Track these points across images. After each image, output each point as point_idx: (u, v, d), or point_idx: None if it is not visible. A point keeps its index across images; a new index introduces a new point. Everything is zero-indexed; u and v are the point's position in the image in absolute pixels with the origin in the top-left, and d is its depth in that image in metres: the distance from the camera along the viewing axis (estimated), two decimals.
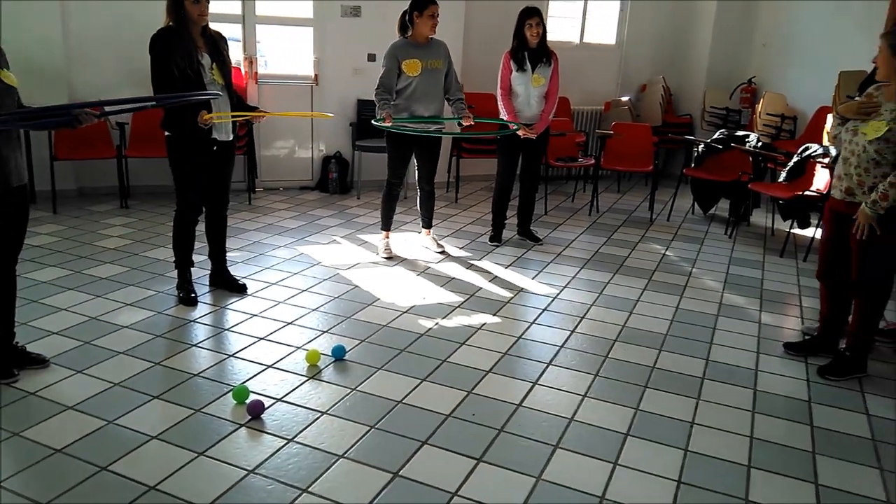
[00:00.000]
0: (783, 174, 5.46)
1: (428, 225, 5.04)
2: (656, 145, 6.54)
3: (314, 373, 3.19)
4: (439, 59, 4.56)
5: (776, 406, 3.05)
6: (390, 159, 4.73)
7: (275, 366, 3.24)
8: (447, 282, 4.42)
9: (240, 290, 4.09)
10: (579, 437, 2.74)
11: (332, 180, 6.55)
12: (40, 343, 3.32)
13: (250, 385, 3.03)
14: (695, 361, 3.44)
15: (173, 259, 3.99)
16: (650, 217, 6.21)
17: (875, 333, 3.45)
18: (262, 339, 3.52)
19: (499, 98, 4.95)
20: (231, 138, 3.83)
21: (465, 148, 6.58)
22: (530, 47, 4.83)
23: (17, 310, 3.52)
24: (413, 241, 5.17)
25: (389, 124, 4.38)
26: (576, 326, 3.82)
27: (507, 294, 4.26)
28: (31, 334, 3.40)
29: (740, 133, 6.14)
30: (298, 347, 3.42)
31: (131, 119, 5.69)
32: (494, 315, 3.92)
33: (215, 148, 3.74)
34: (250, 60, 6.27)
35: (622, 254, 5.16)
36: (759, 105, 6.93)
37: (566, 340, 3.64)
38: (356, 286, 4.27)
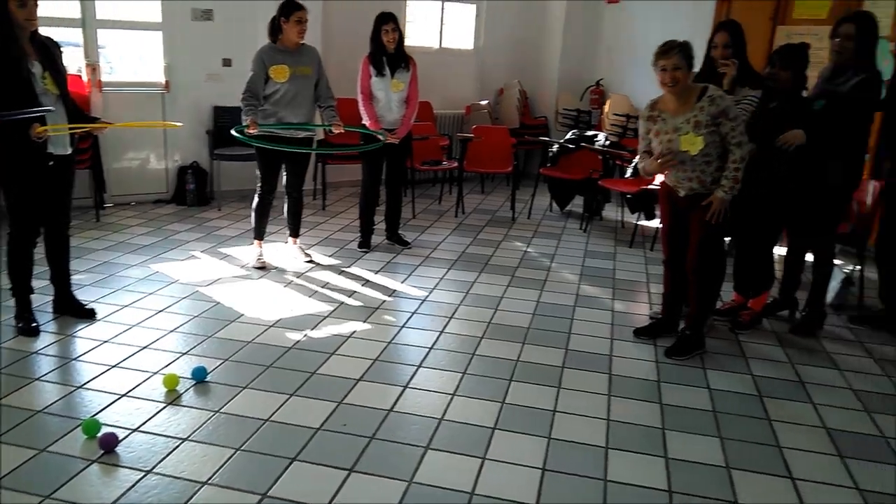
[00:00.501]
0: (629, 170, 5.84)
1: (295, 233, 4.95)
2: (515, 147, 6.78)
3: (173, 398, 3.04)
4: (309, 65, 4.49)
5: (630, 388, 3.26)
6: (260, 168, 4.61)
7: (129, 394, 3.05)
8: (315, 291, 4.36)
9: (87, 315, 3.82)
10: (449, 437, 2.80)
11: (190, 192, 6.25)
12: None
13: (102, 417, 2.84)
14: (555, 352, 3.61)
15: (10, 287, 3.66)
16: (512, 216, 6.44)
17: (713, 313, 3.78)
18: (114, 366, 3.30)
19: (360, 103, 4.94)
20: (69, 152, 3.57)
21: (331, 154, 6.52)
22: (388, 52, 4.86)
23: None
24: (280, 250, 5.05)
25: (254, 132, 4.26)
26: (444, 327, 3.89)
27: (377, 299, 4.27)
28: None
29: (590, 133, 6.51)
30: (155, 373, 3.24)
31: None
32: (365, 322, 3.92)
33: (51, 163, 3.46)
34: (93, 67, 5.86)
35: (487, 252, 5.32)
36: (607, 106, 7.37)
37: (435, 341, 3.70)
38: (218, 303, 4.11)
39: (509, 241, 5.67)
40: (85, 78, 5.84)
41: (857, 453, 2.78)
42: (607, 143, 6.27)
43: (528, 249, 5.47)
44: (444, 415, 2.97)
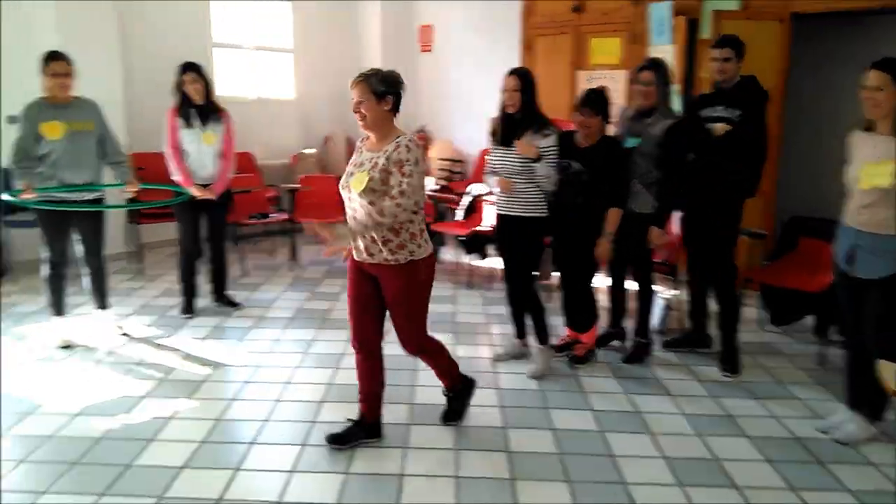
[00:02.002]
0: (459, 213, 5.93)
1: (102, 305, 4.43)
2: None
3: None
4: (88, 120, 4.06)
5: (477, 439, 3.19)
6: (45, 235, 4.07)
7: None
8: (130, 369, 3.90)
9: None
10: None
11: None
12: None
13: None
14: (400, 408, 3.47)
15: None
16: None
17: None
18: None
19: (169, 158, 4.58)
20: None
21: (144, 213, 6.00)
22: (196, 104, 4.56)
23: None
24: (89, 325, 4.50)
25: (30, 196, 3.77)
26: (281, 394, 3.62)
27: (204, 371, 3.90)
28: None
29: None
30: None
31: None
32: (189, 398, 3.55)
33: None
34: None
35: (326, 307, 5.10)
36: (432, 151, 7.50)
37: (271, 412, 3.42)
38: (7, 394, 3.54)
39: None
40: None
41: (696, 480, 2.88)
42: (437, 187, 6.34)
43: None
44: (282, 495, 2.71)
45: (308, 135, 7.84)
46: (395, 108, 2.88)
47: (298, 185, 6.24)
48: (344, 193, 2.95)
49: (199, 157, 4.60)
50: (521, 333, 4.13)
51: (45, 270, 4.16)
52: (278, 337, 4.46)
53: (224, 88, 7.01)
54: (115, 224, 5.85)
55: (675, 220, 4.16)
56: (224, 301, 5.01)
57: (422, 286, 2.99)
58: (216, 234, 4.86)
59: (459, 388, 3.34)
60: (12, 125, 4.29)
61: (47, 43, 4.21)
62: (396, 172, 2.76)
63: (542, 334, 3.92)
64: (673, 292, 4.78)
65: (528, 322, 4.00)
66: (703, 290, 4.18)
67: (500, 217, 3.87)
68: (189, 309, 4.82)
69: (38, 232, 4.11)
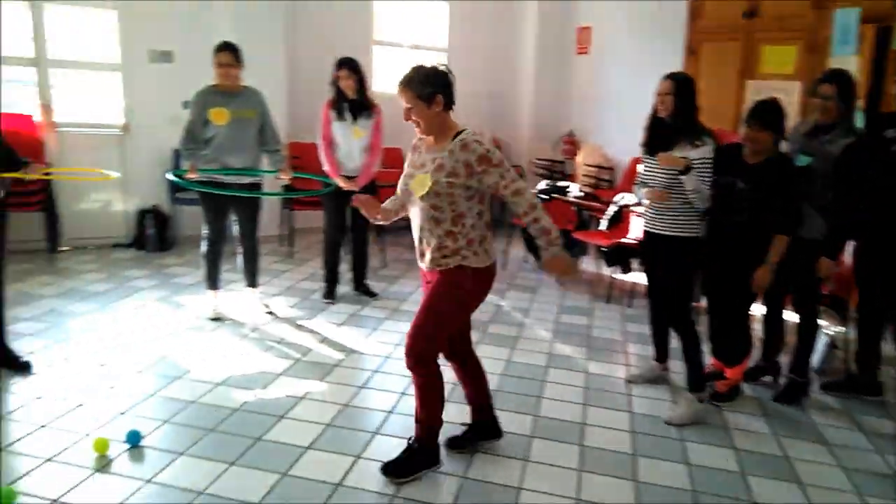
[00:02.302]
0: (603, 222, 5.71)
1: (252, 283, 4.70)
2: None
3: (102, 464, 2.76)
4: (250, 108, 4.31)
5: (602, 462, 3.02)
6: (205, 214, 4.39)
7: (55, 458, 2.77)
8: (271, 346, 4.10)
9: (22, 368, 3.54)
10: None
11: (149, 236, 6.00)
12: None
13: (24, 484, 2.55)
14: (524, 418, 3.37)
15: None
16: None
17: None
18: (43, 426, 3.01)
19: (320, 149, 4.78)
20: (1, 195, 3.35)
21: (297, 200, 6.32)
22: (349, 98, 4.71)
23: None
24: (239, 300, 4.79)
25: (194, 177, 4.07)
26: (407, 388, 3.64)
27: (337, 356, 4.02)
28: None
29: (562, 184, 6.38)
30: (86, 435, 2.96)
31: None
32: (321, 381, 3.66)
33: None
34: (46, 107, 5.65)
35: None
36: (580, 156, 7.30)
37: (396, 405, 3.45)
38: (164, 357, 3.83)
39: None
40: (37, 119, 5.63)
41: None
42: (581, 194, 6.15)
43: (502, 303, 5.26)
44: (397, 490, 2.71)
45: None
46: (449, 105, 2.63)
47: None
48: (402, 197, 2.82)
49: (347, 150, 4.76)
50: (661, 357, 3.88)
51: (203, 246, 4.48)
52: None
53: (381, 85, 7.23)
54: (270, 208, 6.21)
55: (848, 250, 3.73)
56: (363, 290, 5.15)
57: (460, 296, 2.70)
58: (359, 224, 5.01)
59: (420, 448, 2.84)
60: (186, 110, 4.67)
61: (224, 37, 4.51)
62: (488, 168, 2.55)
63: (696, 378, 3.46)
64: (839, 329, 4.29)
65: (672, 346, 3.74)
66: (877, 331, 3.70)
67: (645, 233, 3.65)
68: (330, 294, 5.00)
69: (200, 210, 4.43)
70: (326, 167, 4.75)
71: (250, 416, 3.21)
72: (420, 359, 2.74)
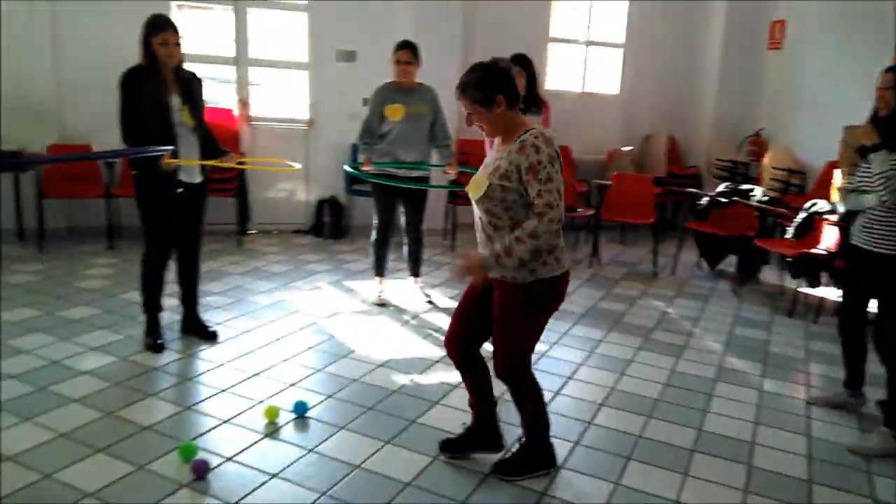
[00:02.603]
0: (791, 230, 5.22)
1: (415, 273, 4.86)
2: (661, 196, 6.34)
3: (271, 430, 2.97)
4: (425, 104, 4.44)
5: (772, 486, 2.76)
6: (376, 205, 4.60)
7: (231, 421, 3.02)
8: (430, 334, 4.20)
9: (210, 337, 3.91)
10: None
11: (326, 224, 6.42)
12: None
13: (202, 442, 2.82)
14: (686, 431, 3.17)
15: (142, 304, 3.82)
16: (653, 271, 5.97)
17: None
18: (223, 391, 3.31)
19: (486, 145, 4.80)
20: (199, 180, 3.71)
21: (460, 195, 6.42)
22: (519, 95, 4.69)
23: None
24: (402, 288, 4.97)
25: (368, 169, 4.27)
26: (561, 388, 3.57)
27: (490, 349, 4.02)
28: None
29: (745, 187, 5.92)
30: (260, 402, 3.20)
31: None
32: None
33: (181, 190, 3.60)
34: (243, 103, 6.22)
35: (620, 309, 4.92)
36: (766, 158, 6.74)
37: (549, 402, 3.38)
38: (332, 336, 4.06)
39: (647, 299, 5.22)
40: (235, 113, 6.20)
41: None
42: (765, 198, 5.67)
43: (669, 310, 4.99)
44: (546, 489, 2.65)
45: (628, 132, 7.64)
46: (512, 103, 2.43)
47: (609, 182, 6.10)
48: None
49: None
50: (853, 383, 3.45)
51: (373, 235, 4.69)
52: (567, 330, 4.42)
53: (553, 82, 7.18)
54: (435, 203, 6.37)
55: None
56: None
57: (533, 309, 2.52)
58: None
59: (532, 448, 2.73)
60: (365, 107, 4.95)
61: (404, 36, 4.69)
62: (532, 180, 2.34)
63: None
64: None
65: (866, 372, 3.35)
66: None
67: (851, 247, 3.26)
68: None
69: (371, 201, 4.65)
70: None
71: (407, 399, 3.31)
72: (507, 374, 2.64)
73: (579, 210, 6.31)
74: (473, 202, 2.53)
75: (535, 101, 4.72)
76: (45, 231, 5.46)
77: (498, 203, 2.42)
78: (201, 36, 6.28)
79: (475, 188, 2.48)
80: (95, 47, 5.50)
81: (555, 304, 2.58)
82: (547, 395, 3.40)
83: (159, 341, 3.75)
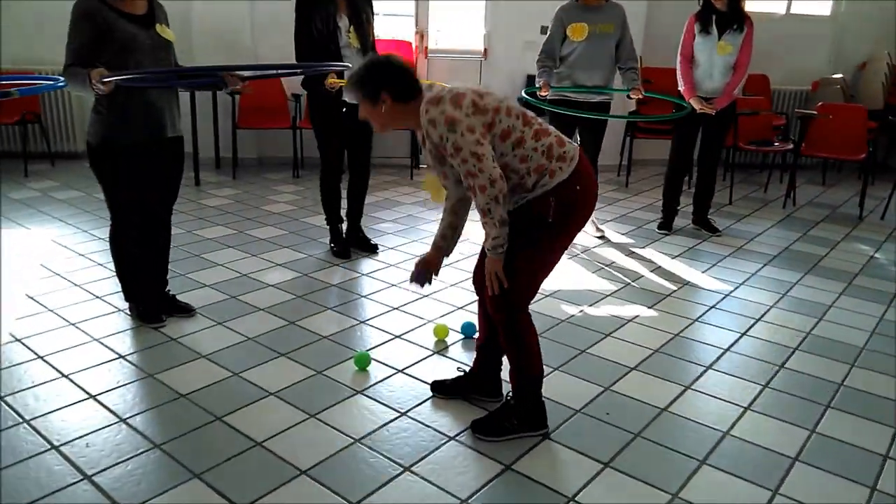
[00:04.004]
0: None
1: None
2: (873, 132, 5.55)
3: (440, 348, 3.00)
4: (611, 23, 4.13)
5: None
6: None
7: (402, 336, 3.10)
8: (601, 268, 4.03)
9: (371, 249, 4.16)
10: (733, 456, 2.29)
11: None
12: (193, 294, 3.45)
13: (375, 353, 2.91)
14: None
15: (325, 217, 4.13)
16: (859, 214, 5.28)
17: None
18: (395, 308, 3.39)
19: (678, 65, 4.42)
20: None
21: (640, 128, 6.05)
22: (718, 10, 4.24)
23: (180, 262, 3.74)
24: None
25: (545, 94, 4.08)
26: (748, 329, 3.27)
27: (669, 286, 3.78)
28: (187, 285, 3.55)
29: None
30: (430, 321, 3.25)
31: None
32: (650, 308, 3.48)
33: (345, 110, 3.69)
34: (421, 35, 6.23)
35: (818, 252, 4.41)
36: None
37: (734, 343, 3.12)
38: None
39: (851, 243, 4.64)
40: (413, 45, 6.23)
41: None
42: None
43: (877, 255, 4.40)
44: (730, 429, 2.44)
45: (838, 59, 6.73)
46: (403, 94, 2.15)
47: (816, 113, 5.41)
48: None
49: (708, 68, 4.33)
50: None
51: None
52: (756, 271, 4.04)
53: (753, 3, 6.46)
54: (612, 133, 6.04)
55: None
56: (704, 224, 4.75)
57: (551, 226, 2.16)
58: (709, 153, 4.58)
59: (520, 405, 2.34)
60: (543, 35, 4.76)
61: None
62: (450, 160, 2.09)
63: None
64: None
65: None
66: None
67: None
68: (667, 226, 4.72)
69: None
70: (681, 87, 4.40)
71: (577, 330, 3.20)
72: (502, 310, 2.26)
73: (775, 143, 5.71)
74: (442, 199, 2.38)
75: (737, 16, 4.24)
76: (238, 160, 5.90)
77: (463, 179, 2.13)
78: None
79: (435, 191, 2.33)
80: None
81: (582, 214, 2.22)
82: (730, 336, 3.17)
83: (346, 248, 4.07)
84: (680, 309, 3.50)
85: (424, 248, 4.25)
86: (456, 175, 2.19)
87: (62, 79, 2.34)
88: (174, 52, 2.98)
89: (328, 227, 4.14)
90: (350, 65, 3.51)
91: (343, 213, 4.18)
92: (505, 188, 2.06)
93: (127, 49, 2.73)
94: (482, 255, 2.45)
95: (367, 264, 3.99)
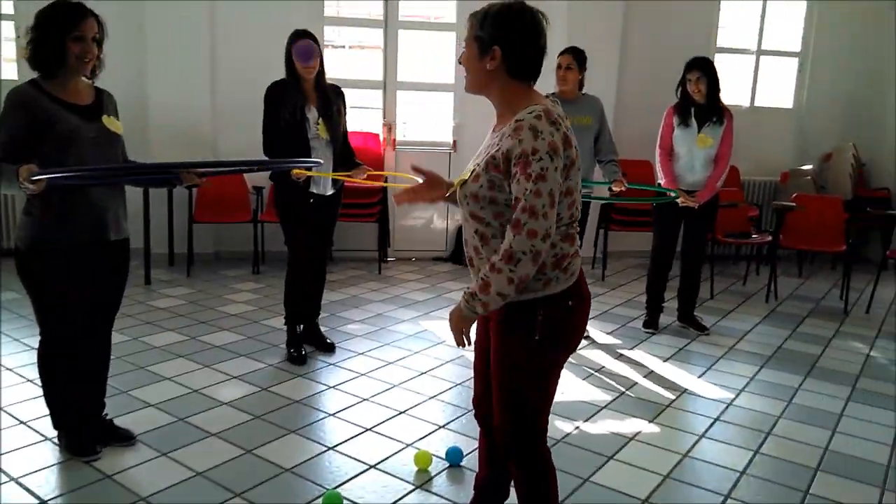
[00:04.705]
0: None
1: None
2: (848, 223, 5.50)
3: (423, 480, 2.61)
4: (588, 115, 4.01)
5: None
6: None
7: (378, 466, 2.69)
8: (590, 374, 3.71)
9: (328, 348, 3.90)
10: None
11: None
12: (134, 416, 3.01)
13: (346, 489, 2.50)
14: None
15: (284, 315, 3.85)
16: (844, 308, 5.13)
17: None
18: (368, 429, 3.00)
19: (656, 159, 4.29)
20: (330, 193, 3.69)
21: (615, 219, 5.90)
22: (698, 103, 4.16)
23: (121, 377, 3.35)
24: None
25: None
26: (760, 445, 2.96)
27: (666, 395, 3.48)
28: (128, 405, 3.11)
29: None
30: (408, 445, 2.86)
31: (268, 182, 5.59)
32: (651, 422, 3.15)
33: (312, 201, 3.59)
34: (389, 127, 6.07)
35: (813, 352, 4.19)
36: None
37: (748, 464, 2.80)
38: None
39: (843, 340, 4.44)
40: (381, 137, 6.06)
41: None
42: None
43: (874, 354, 4.20)
44: None
45: (804, 150, 6.79)
46: (519, 70, 1.79)
47: (793, 205, 5.32)
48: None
49: (689, 161, 4.20)
50: None
51: None
52: (753, 375, 3.77)
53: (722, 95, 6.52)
54: (589, 228, 5.89)
55: None
56: (690, 322, 4.51)
57: (539, 346, 1.81)
58: (693, 247, 4.40)
59: None
60: None
61: (557, 39, 4.30)
62: (519, 174, 1.69)
63: None
64: None
65: None
66: None
67: None
68: (653, 324, 4.46)
69: None
70: (662, 180, 4.25)
71: (574, 452, 2.84)
72: (515, 447, 1.92)
73: (754, 235, 5.60)
74: (459, 203, 1.88)
75: (717, 110, 4.15)
76: (193, 255, 5.52)
77: (486, 204, 1.78)
78: (350, 60, 6.28)
79: (458, 182, 1.86)
80: (247, 73, 5.51)
81: (574, 333, 1.89)
82: (743, 455, 2.86)
83: (303, 353, 3.76)
84: (682, 422, 3.18)
85: (398, 352, 3.93)
86: (502, 200, 1.75)
87: None
88: (123, 145, 2.67)
89: (286, 327, 3.83)
90: (318, 160, 3.33)
91: None
92: (542, 248, 1.69)
93: (67, 142, 2.42)
94: (481, 378, 2.09)
95: (333, 374, 3.60)
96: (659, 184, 4.30)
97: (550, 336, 1.80)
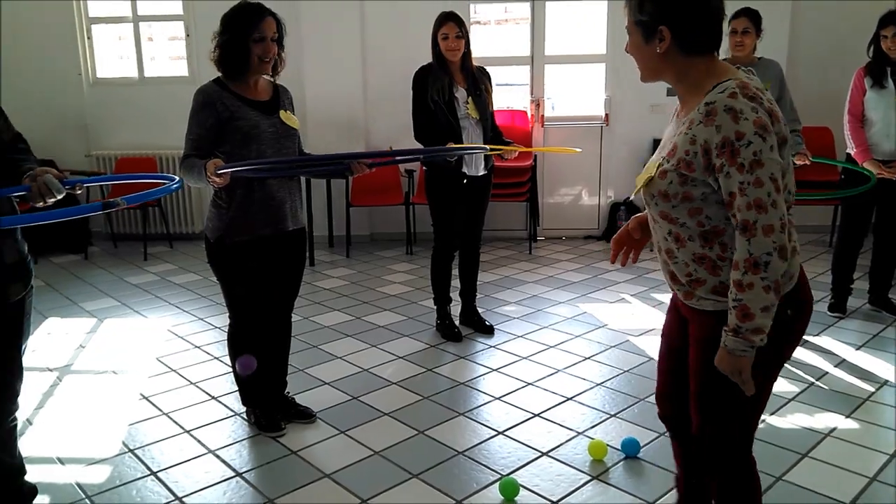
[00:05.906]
0: None
1: None
2: None
3: (599, 471, 2.52)
4: (767, 81, 3.67)
5: None
6: None
7: (550, 454, 2.64)
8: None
9: (486, 330, 3.90)
10: None
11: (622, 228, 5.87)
12: (311, 393, 3.17)
13: (520, 476, 2.48)
14: None
15: (433, 295, 3.93)
16: None
17: None
18: (536, 415, 2.95)
19: (846, 126, 3.86)
20: (482, 173, 3.67)
21: (796, 194, 5.41)
22: (894, 61, 3.69)
23: (298, 355, 3.51)
24: None
25: None
26: None
27: (864, 387, 3.14)
28: (306, 383, 3.28)
29: None
30: (580, 433, 2.78)
31: (418, 166, 5.67)
32: (848, 417, 2.86)
33: (465, 181, 3.61)
34: (537, 104, 5.94)
35: None
36: None
37: None
38: (650, 358, 3.50)
39: None
40: (529, 114, 5.95)
41: None
42: None
43: None
44: None
45: None
46: (696, 45, 1.55)
47: None
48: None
49: (884, 127, 3.74)
50: None
51: None
52: None
53: None
54: None
55: None
56: (884, 305, 4.06)
57: (768, 352, 1.53)
58: (888, 223, 3.93)
59: None
60: (670, 97, 4.35)
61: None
62: (728, 166, 1.45)
63: None
64: None
65: None
66: None
67: None
68: (840, 307, 4.05)
69: None
70: (852, 149, 3.83)
71: (765, 448, 2.61)
72: (718, 460, 1.73)
73: None
74: (646, 204, 1.68)
75: None
76: (351, 238, 5.73)
77: (679, 202, 1.57)
78: (496, 35, 6.21)
79: (641, 179, 1.66)
80: (396, 62, 5.61)
81: (794, 341, 1.66)
82: None
83: (456, 330, 3.85)
84: (885, 418, 2.86)
85: (557, 335, 3.85)
86: (697, 196, 1.54)
87: (177, 179, 2.17)
88: (299, 139, 2.77)
89: (436, 307, 3.93)
90: (474, 143, 3.36)
91: (456, 293, 3.97)
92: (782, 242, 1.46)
93: (248, 138, 2.54)
94: (667, 378, 1.92)
95: (494, 357, 3.59)
96: (848, 154, 3.87)
97: (766, 350, 1.53)
